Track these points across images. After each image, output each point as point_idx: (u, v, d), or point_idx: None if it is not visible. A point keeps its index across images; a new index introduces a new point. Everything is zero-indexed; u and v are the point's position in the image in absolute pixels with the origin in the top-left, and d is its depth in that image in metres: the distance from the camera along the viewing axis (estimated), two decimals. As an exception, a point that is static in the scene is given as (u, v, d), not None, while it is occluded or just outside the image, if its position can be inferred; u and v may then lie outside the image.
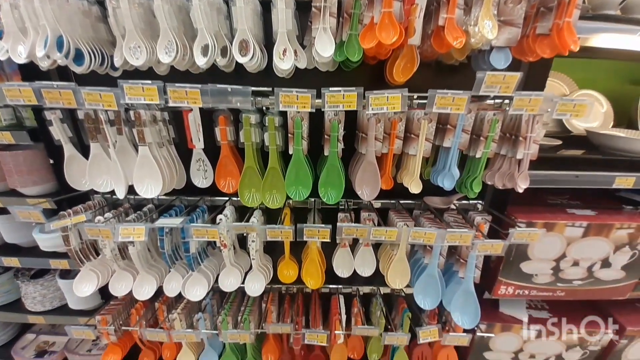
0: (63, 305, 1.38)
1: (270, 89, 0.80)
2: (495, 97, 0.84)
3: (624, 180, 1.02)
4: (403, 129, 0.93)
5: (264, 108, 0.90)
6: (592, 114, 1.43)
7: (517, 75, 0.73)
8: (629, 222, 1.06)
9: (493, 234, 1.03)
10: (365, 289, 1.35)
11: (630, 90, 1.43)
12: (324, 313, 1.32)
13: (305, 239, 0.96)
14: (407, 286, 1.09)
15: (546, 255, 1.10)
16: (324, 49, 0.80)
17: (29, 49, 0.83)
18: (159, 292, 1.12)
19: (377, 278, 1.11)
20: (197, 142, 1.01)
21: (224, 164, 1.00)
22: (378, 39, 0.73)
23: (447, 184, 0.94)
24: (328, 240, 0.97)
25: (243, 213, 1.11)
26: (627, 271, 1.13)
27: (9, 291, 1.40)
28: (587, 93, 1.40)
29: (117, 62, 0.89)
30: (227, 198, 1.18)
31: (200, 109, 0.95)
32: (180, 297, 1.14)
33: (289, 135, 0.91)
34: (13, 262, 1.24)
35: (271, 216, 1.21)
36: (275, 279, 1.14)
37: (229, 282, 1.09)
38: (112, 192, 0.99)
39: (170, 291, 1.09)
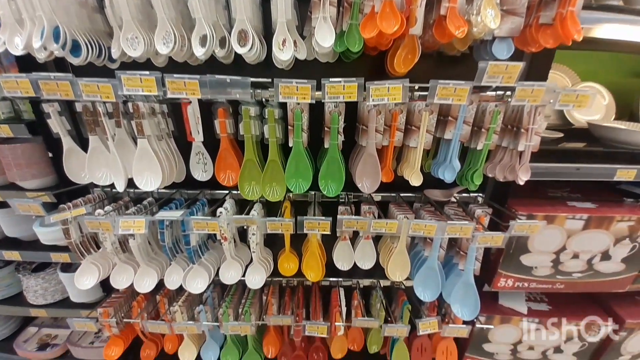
0: (65, 299, 1.38)
1: (269, 80, 0.78)
2: (497, 88, 0.83)
3: (625, 173, 1.01)
4: (404, 121, 0.92)
5: (263, 100, 0.89)
6: (594, 107, 1.42)
7: (520, 65, 0.72)
8: (630, 214, 1.06)
9: (493, 226, 1.03)
10: (366, 282, 1.36)
11: (632, 83, 1.42)
12: (324, 306, 1.32)
13: (305, 231, 0.96)
14: (407, 279, 1.10)
15: (546, 247, 1.10)
16: (324, 39, 0.79)
17: (26, 40, 0.82)
18: (160, 285, 1.12)
19: (377, 271, 1.12)
20: (197, 134, 1.00)
21: (224, 157, 0.99)
22: (379, 28, 0.72)
23: (447, 177, 0.93)
24: (328, 232, 0.97)
25: (243, 206, 1.11)
26: (627, 264, 1.13)
27: (10, 285, 1.41)
28: (590, 85, 1.39)
29: (115, 53, 0.88)
30: (227, 191, 1.18)
31: (200, 102, 0.94)
32: (181, 290, 1.15)
33: (289, 127, 0.91)
34: (14, 255, 1.24)
35: (271, 209, 1.21)
36: (275, 272, 1.15)
37: (229, 275, 1.09)
38: (112, 186, 0.99)
39: (171, 284, 1.09)
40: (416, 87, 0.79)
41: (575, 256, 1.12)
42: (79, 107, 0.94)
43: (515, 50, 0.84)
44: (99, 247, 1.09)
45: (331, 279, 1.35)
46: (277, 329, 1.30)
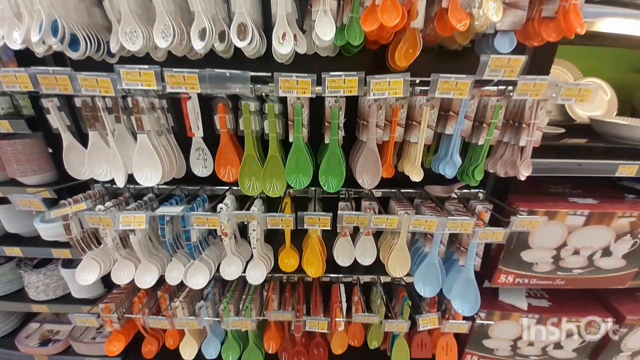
0: (66, 295, 1.39)
1: (269, 74, 0.78)
2: (499, 82, 0.82)
3: (626, 169, 1.01)
4: (405, 116, 0.91)
5: (263, 95, 0.89)
6: (596, 103, 1.41)
7: (522, 59, 0.71)
8: (631, 210, 1.05)
9: (494, 222, 1.03)
10: (366, 278, 1.36)
11: (635, 78, 1.42)
12: (324, 302, 1.33)
13: (305, 227, 0.96)
14: (408, 275, 1.10)
15: (547, 243, 1.10)
16: (324, 32, 0.78)
17: (24, 34, 0.82)
18: (161, 280, 1.12)
19: (378, 267, 1.12)
20: (197, 130, 0.99)
21: (224, 153, 0.99)
22: (380, 21, 0.71)
23: (448, 172, 0.93)
24: (329, 228, 0.97)
25: (243, 202, 1.11)
26: (627, 260, 1.13)
27: (11, 281, 1.41)
28: (592, 81, 1.38)
29: (114, 47, 0.87)
30: (227, 187, 1.18)
31: (199, 97, 0.94)
32: (182, 285, 1.15)
33: (289, 122, 0.90)
34: (15, 251, 1.25)
35: (272, 206, 1.21)
36: (276, 268, 1.15)
37: (230, 271, 1.09)
38: (112, 182, 0.99)
39: (172, 279, 1.09)
40: (417, 81, 0.78)
41: (576, 252, 1.11)
42: (78, 102, 0.94)
43: (517, 44, 0.83)
44: (99, 243, 1.09)
45: (331, 275, 1.35)
46: (278, 324, 1.30)
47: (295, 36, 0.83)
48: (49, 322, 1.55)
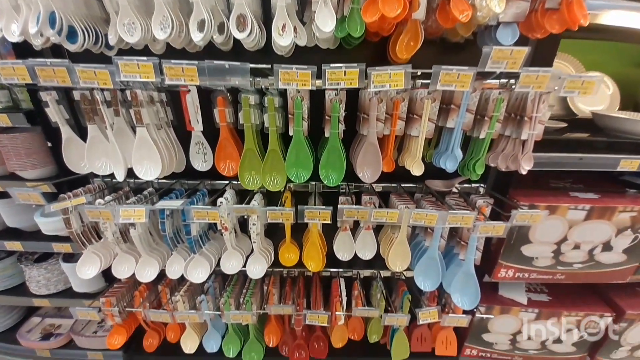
0: (67, 289, 1.39)
1: (269, 66, 0.77)
2: (501, 75, 0.81)
3: (628, 163, 1.00)
4: (406, 110, 0.91)
5: (263, 88, 0.88)
6: (598, 97, 1.41)
7: (525, 50, 0.70)
8: (632, 205, 1.05)
9: (495, 217, 1.03)
10: (366, 273, 1.36)
11: (637, 73, 1.41)
12: (324, 296, 1.33)
13: (306, 220, 0.96)
14: (408, 269, 1.10)
15: (547, 238, 1.10)
16: (325, 23, 0.77)
17: (22, 26, 0.82)
18: (162, 275, 1.13)
19: (378, 261, 1.12)
20: (196, 124, 0.99)
21: (224, 147, 0.98)
22: (381, 12, 0.70)
23: (449, 166, 0.93)
24: (329, 222, 0.97)
25: (243, 197, 1.11)
26: (628, 254, 1.13)
27: (12, 275, 1.42)
28: (595, 75, 1.36)
29: (112, 39, 0.86)
30: (227, 182, 1.18)
31: (199, 90, 0.93)
32: (183, 280, 1.16)
33: (289, 116, 0.90)
34: (15, 246, 1.25)
35: (272, 200, 1.20)
36: (276, 263, 1.15)
37: (230, 265, 1.09)
38: (112, 176, 0.99)
39: (173, 273, 1.09)
40: (418, 73, 0.77)
41: (577, 247, 1.11)
42: (77, 95, 0.93)
43: (520, 36, 0.82)
44: (100, 238, 1.09)
45: (332, 269, 1.35)
46: (278, 318, 1.31)
47: (295, 28, 0.82)
48: (51, 317, 1.56)
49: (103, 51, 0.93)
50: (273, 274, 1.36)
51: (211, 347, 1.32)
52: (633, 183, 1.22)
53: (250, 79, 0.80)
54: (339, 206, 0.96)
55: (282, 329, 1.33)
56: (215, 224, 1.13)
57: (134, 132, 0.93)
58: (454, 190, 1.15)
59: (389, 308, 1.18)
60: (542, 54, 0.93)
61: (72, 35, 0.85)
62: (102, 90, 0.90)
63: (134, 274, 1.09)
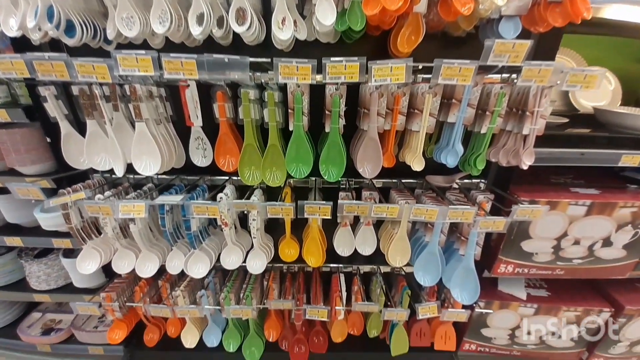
0: (68, 284, 1.40)
1: (269, 60, 0.76)
2: (502, 70, 0.81)
3: (629, 158, 1.00)
4: (406, 104, 0.90)
5: (263, 82, 0.88)
6: (600, 93, 1.40)
7: (528, 43, 0.69)
8: (633, 200, 1.05)
9: (495, 212, 1.02)
10: (366, 268, 1.36)
11: (639, 69, 1.39)
12: (324, 292, 1.33)
13: (306, 215, 0.96)
14: (407, 265, 1.10)
15: (548, 234, 1.10)
16: (325, 16, 0.76)
17: (20, 20, 0.81)
18: (162, 271, 1.13)
19: (378, 257, 1.12)
20: (195, 119, 0.98)
21: (223, 142, 0.98)
22: (382, 4, 0.69)
23: (450, 161, 0.92)
24: (329, 217, 0.97)
25: (243, 193, 1.10)
26: (628, 250, 1.13)
27: (12, 271, 1.42)
28: (598, 69, 1.36)
29: (110, 34, 0.86)
30: (227, 177, 1.18)
31: (198, 85, 0.93)
32: (183, 275, 1.16)
33: (289, 111, 0.89)
34: (15, 241, 1.25)
35: (272, 196, 1.20)
36: (276, 258, 1.15)
37: (230, 260, 1.10)
38: (111, 172, 0.98)
39: (173, 269, 1.10)
40: (420, 67, 0.77)
41: (577, 242, 1.11)
42: (75, 90, 0.92)
43: (522, 30, 0.82)
44: (100, 233, 1.09)
45: (332, 265, 1.35)
46: (278, 313, 1.32)
47: (295, 22, 0.81)
48: (51, 312, 1.56)
49: (101, 46, 0.93)
50: (273, 270, 1.37)
51: (211, 341, 1.32)
52: (634, 179, 1.22)
53: (250, 74, 0.80)
54: (339, 201, 0.96)
55: (282, 324, 1.33)
56: (215, 220, 1.13)
57: (133, 127, 0.92)
58: (455, 185, 1.15)
59: (389, 303, 1.19)
60: (544, 48, 0.92)
61: (70, 29, 0.84)
62: (100, 85, 0.90)
63: (134, 269, 1.09)
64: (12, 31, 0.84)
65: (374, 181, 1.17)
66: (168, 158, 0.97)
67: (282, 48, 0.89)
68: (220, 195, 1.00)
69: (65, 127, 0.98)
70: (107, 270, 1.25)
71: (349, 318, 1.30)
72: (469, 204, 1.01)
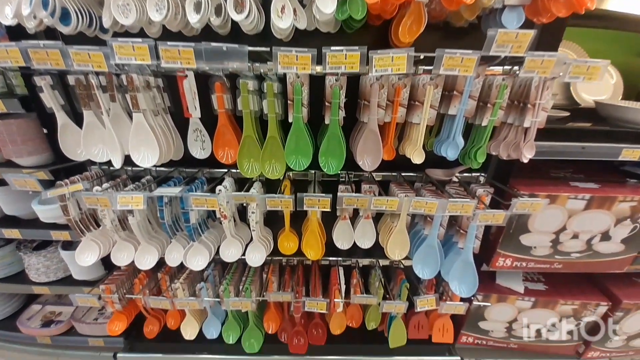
0: (67, 277, 1.40)
1: (268, 49, 0.75)
2: (504, 61, 0.80)
3: (630, 152, 0.99)
4: (407, 96, 0.89)
5: (262, 73, 0.86)
6: (602, 87, 1.39)
7: (531, 33, 0.68)
8: (632, 195, 1.05)
9: (495, 206, 1.02)
10: (365, 262, 1.36)
11: (640, 63, 1.39)
12: (323, 285, 1.34)
13: (305, 208, 0.96)
14: (406, 258, 1.10)
15: (546, 227, 1.10)
16: (325, 4, 0.75)
17: (15, 8, 0.80)
18: (161, 263, 1.13)
19: (377, 250, 1.12)
20: (194, 110, 0.97)
21: (222, 133, 0.97)
22: (383, -8, 0.68)
23: (450, 154, 0.92)
24: (328, 209, 0.97)
25: (242, 186, 1.10)
26: (626, 244, 1.13)
27: (11, 263, 1.42)
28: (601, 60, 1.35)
29: (106, 22, 0.84)
30: (225, 170, 1.17)
31: (196, 76, 0.91)
32: (182, 268, 1.16)
33: (289, 102, 0.88)
34: (14, 233, 1.24)
35: (271, 189, 1.19)
36: (275, 251, 1.15)
37: (229, 253, 1.10)
38: (109, 164, 0.98)
39: (172, 261, 1.10)
40: (421, 57, 0.76)
41: (575, 236, 1.12)
42: (71, 80, 0.91)
43: (525, 20, 0.80)
44: (98, 225, 1.09)
45: (331, 258, 1.36)
46: (278, 305, 1.32)
47: (294, 10, 0.80)
48: (51, 304, 1.57)
49: (97, 34, 0.91)
50: (272, 263, 1.37)
51: (211, 333, 1.33)
52: (634, 173, 1.22)
53: (249, 64, 0.78)
54: (339, 194, 0.95)
55: (281, 316, 1.34)
56: (214, 213, 1.13)
57: (131, 118, 0.91)
58: (454, 179, 1.14)
59: (387, 296, 1.19)
60: (547, 39, 0.91)
61: (65, 17, 0.83)
62: (97, 74, 0.88)
63: (133, 262, 1.09)
64: (8, 19, 0.83)
65: (374, 174, 1.16)
66: (166, 150, 0.96)
67: (281, 38, 0.87)
68: (219, 187, 1.00)
69: (61, 118, 0.97)
70: (106, 262, 1.25)
71: (347, 310, 1.30)
72: (468, 197, 1.01)
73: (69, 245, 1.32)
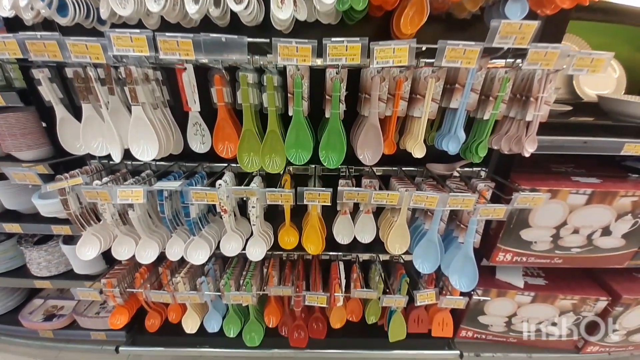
0: (69, 271, 1.40)
1: (267, 40, 0.74)
2: (507, 54, 0.79)
3: (633, 147, 0.99)
4: (408, 90, 0.88)
5: (261, 65, 0.85)
6: (605, 81, 1.38)
7: (535, 24, 0.67)
8: (634, 190, 1.04)
9: (495, 200, 1.02)
10: (365, 256, 1.37)
11: (644, 58, 1.37)
12: (323, 280, 1.34)
13: (305, 202, 0.95)
14: (406, 253, 1.10)
15: (547, 222, 1.10)
16: (326, -5, 0.74)
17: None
18: (162, 257, 1.13)
19: (377, 245, 1.12)
20: (193, 104, 0.96)
21: (222, 127, 0.96)
22: (385, -18, 0.67)
23: (452, 148, 0.91)
24: (329, 204, 0.97)
25: (242, 180, 1.09)
26: (627, 239, 1.13)
27: (13, 257, 1.42)
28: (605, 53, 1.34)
29: (104, 13, 0.83)
30: (225, 164, 1.16)
31: (195, 70, 0.90)
32: (183, 262, 1.16)
33: (289, 95, 0.87)
34: (14, 228, 1.24)
35: (271, 183, 1.19)
36: (276, 246, 1.15)
37: (230, 247, 1.10)
38: (109, 158, 0.97)
39: (173, 255, 1.10)
40: (423, 49, 0.75)
41: (576, 231, 1.11)
42: (69, 72, 0.90)
43: (529, 12, 0.79)
44: (99, 220, 1.09)
45: (331, 253, 1.36)
46: (278, 299, 1.33)
47: (295, 1, 0.79)
48: (53, 298, 1.58)
49: (95, 26, 0.90)
50: (273, 257, 1.37)
51: (212, 327, 1.34)
52: (635, 168, 1.21)
53: (249, 56, 0.77)
54: (339, 188, 0.95)
55: (282, 310, 1.35)
56: (214, 207, 1.12)
57: (130, 112, 0.91)
58: (455, 174, 1.14)
59: (387, 290, 1.20)
60: (550, 32, 0.90)
61: (62, 8, 0.83)
62: (95, 66, 0.88)
63: (134, 256, 1.09)
64: (5, 10, 0.82)
65: (374, 169, 1.16)
66: (166, 143, 0.95)
67: (281, 29, 0.86)
68: (219, 182, 1.00)
69: (60, 111, 0.97)
70: (107, 257, 1.25)
71: (347, 305, 1.31)
72: (469, 192, 1.01)
73: (70, 240, 1.33)
